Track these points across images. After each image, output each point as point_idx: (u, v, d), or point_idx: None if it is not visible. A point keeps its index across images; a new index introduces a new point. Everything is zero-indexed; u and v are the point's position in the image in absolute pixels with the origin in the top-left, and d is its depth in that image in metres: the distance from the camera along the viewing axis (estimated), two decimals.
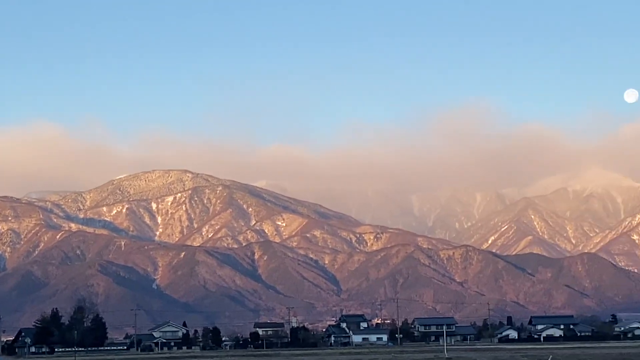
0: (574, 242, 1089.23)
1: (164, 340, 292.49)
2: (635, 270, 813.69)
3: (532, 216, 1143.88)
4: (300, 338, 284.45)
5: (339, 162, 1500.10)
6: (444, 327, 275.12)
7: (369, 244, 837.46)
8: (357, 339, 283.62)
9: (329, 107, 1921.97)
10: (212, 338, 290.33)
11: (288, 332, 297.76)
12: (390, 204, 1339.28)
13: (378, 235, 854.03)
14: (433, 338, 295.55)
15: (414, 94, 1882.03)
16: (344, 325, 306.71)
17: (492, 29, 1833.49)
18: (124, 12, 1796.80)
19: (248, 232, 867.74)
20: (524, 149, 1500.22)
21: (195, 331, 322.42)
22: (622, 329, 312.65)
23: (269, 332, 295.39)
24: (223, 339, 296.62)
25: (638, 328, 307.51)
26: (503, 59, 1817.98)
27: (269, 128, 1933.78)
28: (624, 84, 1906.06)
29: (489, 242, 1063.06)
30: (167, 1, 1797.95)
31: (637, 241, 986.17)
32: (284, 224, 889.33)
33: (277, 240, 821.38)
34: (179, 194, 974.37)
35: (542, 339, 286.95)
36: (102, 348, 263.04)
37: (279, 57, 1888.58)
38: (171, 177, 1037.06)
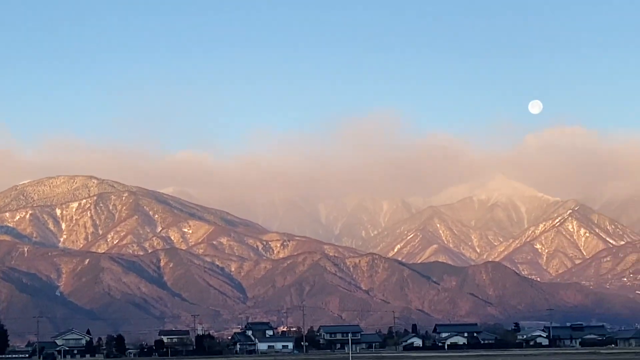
0: (478, 250, 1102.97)
1: (67, 348, 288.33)
2: (538, 279, 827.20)
3: (438, 225, 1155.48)
4: (205, 346, 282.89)
5: (246, 170, 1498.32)
6: (350, 335, 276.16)
7: (275, 252, 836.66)
8: (262, 346, 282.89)
9: (237, 114, 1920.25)
10: (116, 346, 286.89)
11: (193, 339, 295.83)
12: (297, 212, 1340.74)
13: (285, 243, 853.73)
14: (339, 346, 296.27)
15: (322, 102, 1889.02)
16: (249, 333, 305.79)
17: (399, 38, 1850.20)
18: (24, 15, 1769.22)
19: (154, 238, 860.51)
20: (430, 158, 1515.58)
21: (100, 339, 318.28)
22: (525, 337, 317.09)
23: (174, 340, 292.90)
24: (127, 347, 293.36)
25: (540, 336, 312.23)
26: (410, 68, 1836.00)
27: (176, 134, 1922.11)
28: (529, 95, 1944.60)
29: (395, 250, 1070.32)
30: (70, 4, 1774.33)
31: (539, 250, 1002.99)
32: (190, 231, 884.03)
33: (184, 247, 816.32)
34: (84, 200, 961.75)
35: (446, 347, 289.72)
36: (3, 356, 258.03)
37: (187, 62, 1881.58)
38: (76, 183, 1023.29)
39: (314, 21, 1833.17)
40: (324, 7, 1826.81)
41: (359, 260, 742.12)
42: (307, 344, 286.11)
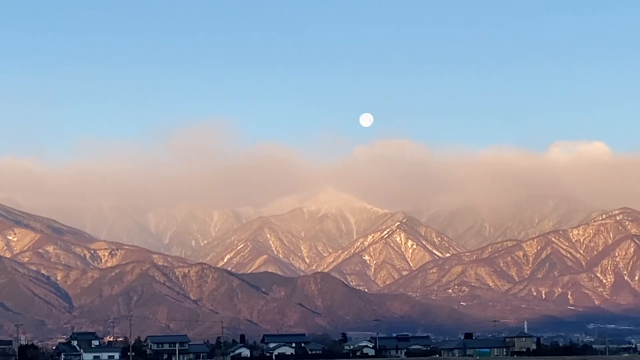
0: (308, 261, 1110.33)
1: None
2: (366, 290, 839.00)
3: (268, 235, 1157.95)
4: (29, 356, 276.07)
5: (74, 177, 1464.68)
6: (177, 345, 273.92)
7: (103, 261, 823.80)
8: (88, 357, 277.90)
9: (65, 121, 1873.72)
10: None
11: (16, 350, 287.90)
12: (126, 221, 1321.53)
13: (113, 252, 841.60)
14: (166, 356, 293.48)
15: (152, 110, 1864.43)
16: (75, 343, 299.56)
17: (230, 46, 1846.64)
18: None
19: None
20: (261, 168, 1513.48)
21: None
22: (352, 347, 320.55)
23: None
24: None
25: (366, 346, 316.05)
26: (241, 77, 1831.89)
27: (1, 140, 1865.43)
28: (360, 108, 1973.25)
29: (225, 260, 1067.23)
30: None
31: (368, 261, 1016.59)
32: (15, 239, 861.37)
33: (8, 255, 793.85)
34: None
35: (274, 357, 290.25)
36: None
37: (11, 65, 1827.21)
38: None
39: (146, 28, 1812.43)
40: (154, 13, 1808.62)
41: (188, 270, 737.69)
42: (133, 354, 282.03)
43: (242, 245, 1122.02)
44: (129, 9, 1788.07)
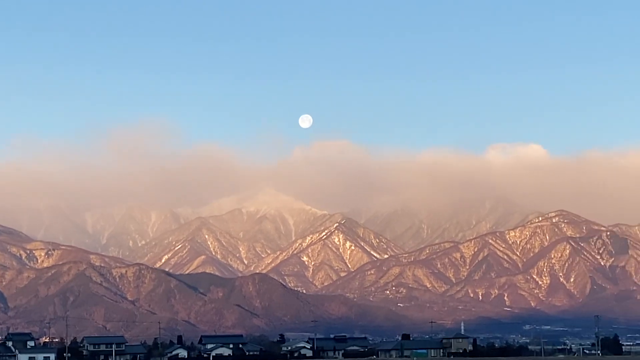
0: (246, 262, 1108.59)
1: None
2: (304, 291, 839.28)
3: (207, 236, 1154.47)
4: None
5: (10, 177, 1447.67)
6: (114, 346, 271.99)
7: (39, 261, 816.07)
8: (23, 358, 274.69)
9: (0, 121, 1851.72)
10: None
11: None
12: (63, 221, 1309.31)
13: (50, 252, 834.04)
14: (102, 357, 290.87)
15: (89, 110, 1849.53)
16: (10, 344, 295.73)
17: (168, 47, 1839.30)
18: None
19: None
20: (199, 168, 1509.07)
21: None
22: (289, 348, 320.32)
23: None
24: None
25: (304, 347, 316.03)
26: (180, 78, 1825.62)
27: None
28: (299, 109, 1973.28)
29: (163, 260, 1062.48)
30: None
31: (306, 262, 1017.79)
32: None
33: None
34: None
35: (211, 358, 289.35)
36: None
37: None
38: None
39: (83, 27, 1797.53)
40: (93, 13, 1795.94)
41: (126, 271, 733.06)
42: (69, 355, 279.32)
43: (180, 246, 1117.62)
44: (67, 8, 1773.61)
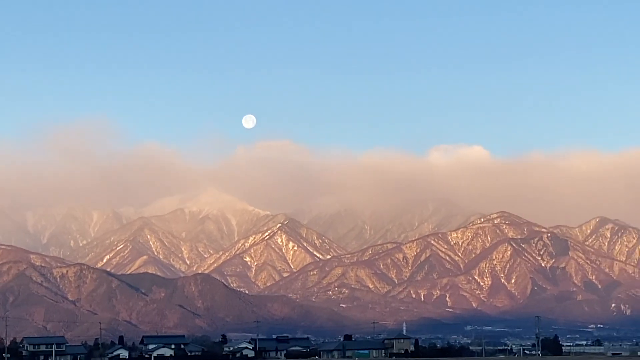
0: (188, 262, 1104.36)
1: None
2: (246, 292, 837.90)
3: (149, 236, 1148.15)
4: None
5: None
6: (54, 346, 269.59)
7: None
8: None
9: None
10: None
11: None
12: (3, 220, 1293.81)
13: None
14: (42, 358, 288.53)
15: (31, 109, 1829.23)
16: None
17: (110, 45, 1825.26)
18: None
19: None
20: (142, 168, 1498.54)
21: None
22: (231, 348, 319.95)
23: None
24: None
25: (246, 348, 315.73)
26: (123, 77, 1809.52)
27: None
28: (243, 109, 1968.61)
29: (105, 260, 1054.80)
30: None
31: (249, 263, 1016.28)
32: None
33: None
34: None
35: (153, 359, 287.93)
36: None
37: None
38: None
39: (24, 25, 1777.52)
40: (33, 11, 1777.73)
41: (67, 271, 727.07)
42: (9, 355, 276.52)
43: (122, 246, 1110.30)
44: (9, 6, 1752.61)
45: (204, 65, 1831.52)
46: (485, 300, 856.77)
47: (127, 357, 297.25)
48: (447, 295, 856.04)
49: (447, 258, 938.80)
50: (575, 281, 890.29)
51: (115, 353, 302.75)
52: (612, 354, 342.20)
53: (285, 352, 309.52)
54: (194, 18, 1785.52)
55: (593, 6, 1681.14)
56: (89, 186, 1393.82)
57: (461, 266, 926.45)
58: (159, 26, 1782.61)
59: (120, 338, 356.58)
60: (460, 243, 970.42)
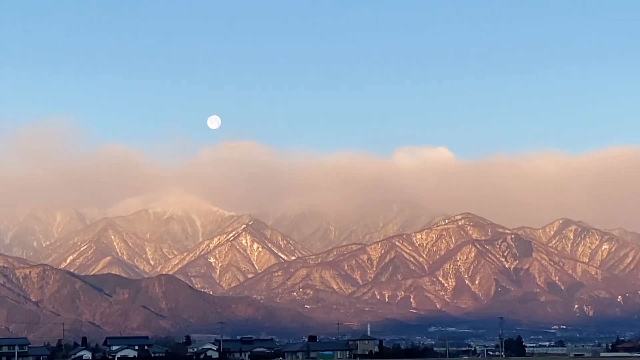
0: (152, 263, 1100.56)
1: None
2: (211, 293, 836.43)
3: (113, 236, 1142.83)
4: None
5: None
6: (16, 347, 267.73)
7: None
8: None
9: None
10: None
11: None
12: None
13: None
14: (4, 359, 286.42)
15: None
16: None
17: (75, 48, 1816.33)
18: None
19: None
20: (105, 169, 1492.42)
21: None
22: (195, 350, 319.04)
23: None
24: None
25: (210, 349, 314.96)
26: (86, 77, 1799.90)
27: None
28: (208, 110, 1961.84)
29: (68, 261, 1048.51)
30: None
31: (213, 264, 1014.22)
32: None
33: None
34: None
35: None
36: None
37: None
38: None
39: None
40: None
41: (30, 271, 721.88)
42: None
43: (85, 247, 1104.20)
44: None
45: (169, 66, 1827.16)
46: (449, 301, 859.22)
47: (90, 358, 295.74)
48: (412, 297, 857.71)
49: (412, 259, 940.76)
50: (539, 282, 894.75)
51: (78, 354, 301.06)
52: (575, 354, 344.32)
53: (249, 353, 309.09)
54: (159, 19, 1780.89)
55: (555, 6, 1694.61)
56: (53, 186, 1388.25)
57: (425, 267, 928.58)
58: (124, 27, 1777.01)
59: (84, 339, 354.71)
60: (424, 244, 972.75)
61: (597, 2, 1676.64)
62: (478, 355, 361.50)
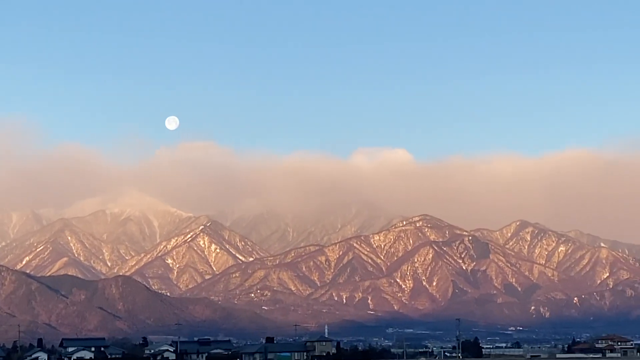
0: (109, 264, 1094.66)
1: None
2: (168, 294, 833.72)
3: (69, 237, 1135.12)
4: None
5: None
6: None
7: None
8: None
9: None
10: None
11: None
12: None
13: None
14: None
15: None
16: None
17: (30, 46, 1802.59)
18: None
19: None
20: (62, 169, 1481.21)
21: None
22: (152, 351, 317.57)
23: None
24: None
25: (167, 350, 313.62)
26: (42, 76, 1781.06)
27: None
28: (166, 110, 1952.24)
29: (24, 262, 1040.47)
30: None
31: (171, 265, 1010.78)
32: None
33: None
34: None
35: None
36: None
37: None
38: None
39: None
40: None
41: None
42: None
43: (41, 248, 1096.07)
44: None
45: (127, 66, 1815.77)
46: (406, 302, 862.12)
47: (46, 359, 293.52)
48: (369, 298, 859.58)
49: (370, 261, 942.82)
50: (496, 284, 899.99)
51: (34, 356, 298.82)
52: (531, 356, 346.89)
53: (206, 354, 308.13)
54: (116, 18, 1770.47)
55: (515, 6, 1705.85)
56: (8, 187, 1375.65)
57: (383, 269, 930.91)
58: (81, 26, 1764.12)
59: (40, 341, 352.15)
60: (382, 246, 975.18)
61: (555, 9, 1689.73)
62: (435, 357, 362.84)
